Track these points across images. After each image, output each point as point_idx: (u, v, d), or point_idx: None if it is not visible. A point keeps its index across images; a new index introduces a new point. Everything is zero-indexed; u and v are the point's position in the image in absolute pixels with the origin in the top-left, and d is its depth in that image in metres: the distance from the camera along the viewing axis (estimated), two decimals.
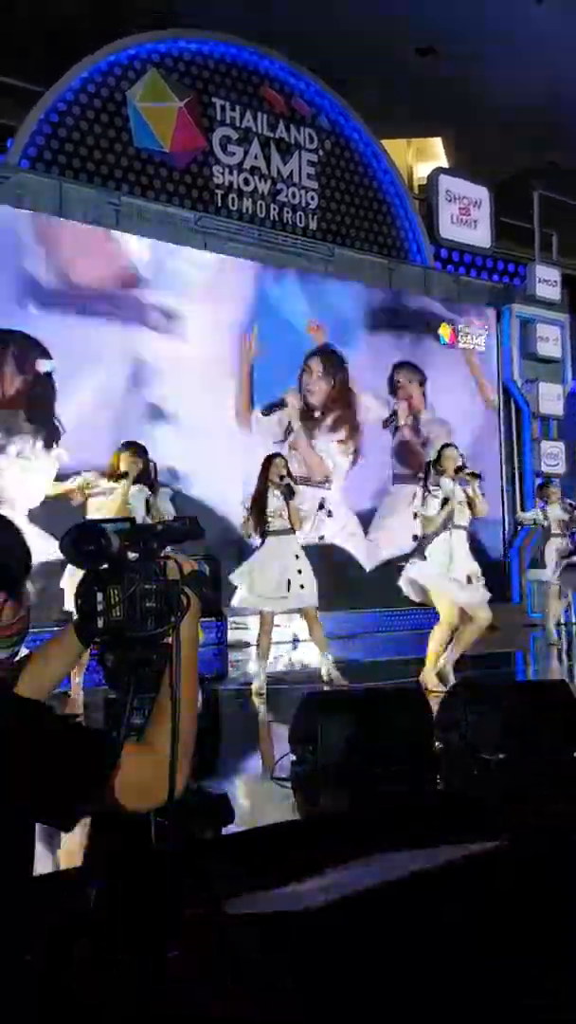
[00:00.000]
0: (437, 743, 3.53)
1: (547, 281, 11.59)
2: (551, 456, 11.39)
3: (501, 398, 11.42)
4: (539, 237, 11.84)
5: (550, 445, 11.42)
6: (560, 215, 12.12)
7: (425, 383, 10.73)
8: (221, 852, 2.64)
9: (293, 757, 3.47)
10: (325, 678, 5.86)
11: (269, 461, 6.01)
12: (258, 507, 5.90)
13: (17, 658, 1.52)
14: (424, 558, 5.68)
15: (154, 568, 1.40)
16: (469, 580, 5.64)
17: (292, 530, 5.92)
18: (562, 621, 9.29)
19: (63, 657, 1.55)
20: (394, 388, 10.53)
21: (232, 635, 8.52)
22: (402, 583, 5.86)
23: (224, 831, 2.75)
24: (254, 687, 5.79)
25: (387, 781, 3.25)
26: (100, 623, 1.39)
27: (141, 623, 1.38)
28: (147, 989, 1.50)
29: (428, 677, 5.60)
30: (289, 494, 5.87)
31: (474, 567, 5.73)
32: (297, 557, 5.89)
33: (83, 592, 1.42)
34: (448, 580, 5.60)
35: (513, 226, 12.06)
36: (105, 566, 1.41)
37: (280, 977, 1.93)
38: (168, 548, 1.48)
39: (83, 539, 1.39)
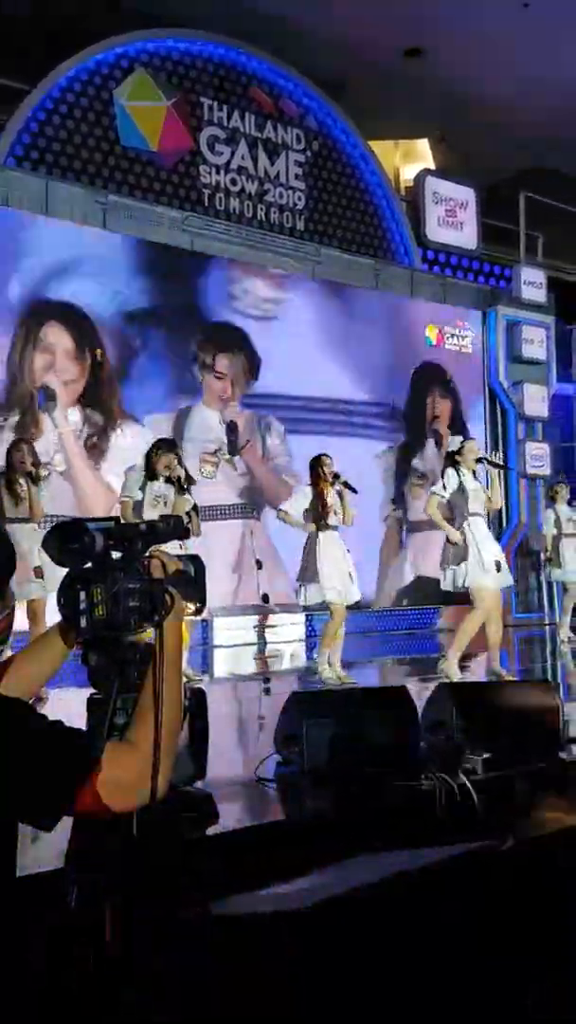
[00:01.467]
0: (422, 743, 3.53)
1: (533, 283, 11.64)
2: (536, 458, 11.44)
3: (487, 400, 11.47)
4: (525, 239, 11.89)
5: (535, 447, 11.47)
6: (546, 217, 12.17)
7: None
8: (206, 852, 2.64)
9: (278, 757, 3.46)
10: (335, 676, 5.90)
11: (319, 461, 6.14)
12: (319, 503, 6.00)
13: (2, 658, 1.52)
14: (456, 561, 5.80)
15: (138, 567, 1.40)
16: (498, 567, 5.81)
17: (337, 526, 6.07)
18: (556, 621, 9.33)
19: (48, 657, 1.54)
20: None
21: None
22: (445, 586, 6.02)
23: (209, 831, 2.75)
24: (341, 676, 5.81)
25: (372, 781, 3.25)
26: (83, 622, 1.38)
27: (124, 622, 1.37)
28: (135, 988, 1.49)
29: (452, 667, 5.75)
30: (349, 488, 6.08)
31: (499, 551, 5.98)
32: (347, 552, 6.09)
33: (66, 591, 1.41)
34: (483, 573, 5.76)
35: (499, 228, 12.11)
36: (89, 565, 1.40)
37: (267, 977, 1.93)
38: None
39: (67, 537, 1.39)
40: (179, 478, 5.78)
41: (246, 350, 9.34)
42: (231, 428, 9.14)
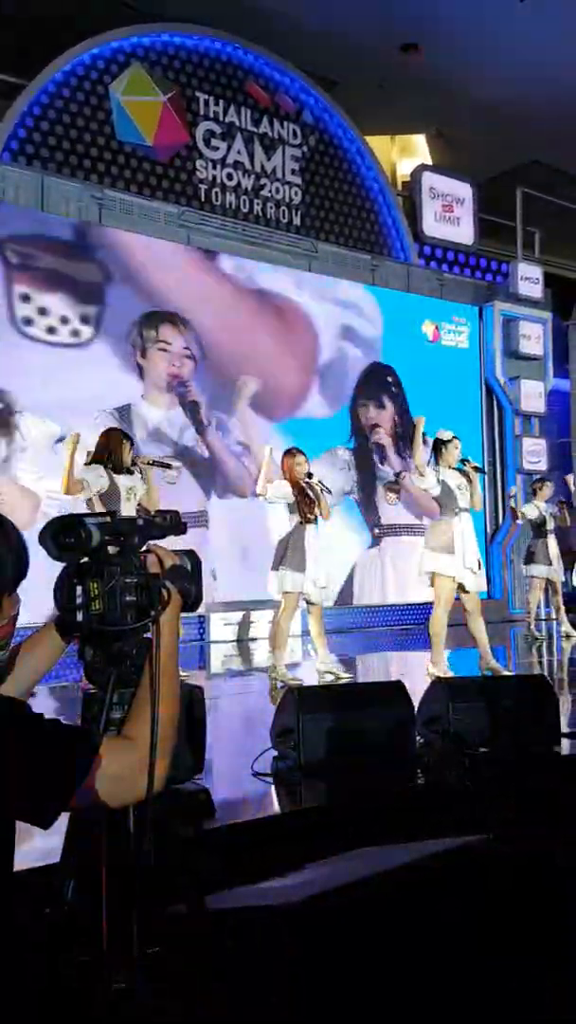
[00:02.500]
0: (419, 737, 3.54)
1: (529, 279, 11.64)
2: (533, 453, 11.45)
3: (484, 396, 11.47)
4: (522, 235, 11.89)
5: (532, 442, 11.49)
6: (543, 213, 12.17)
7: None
8: (203, 847, 2.64)
9: (275, 752, 3.47)
10: (329, 671, 5.91)
11: (291, 457, 6.08)
12: (303, 498, 5.96)
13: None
14: (439, 548, 5.81)
15: (135, 562, 1.40)
16: (479, 566, 5.86)
17: (316, 521, 6.06)
18: (541, 616, 9.35)
19: (44, 653, 1.54)
20: None
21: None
22: (421, 571, 5.99)
23: (206, 826, 2.75)
24: (286, 677, 5.77)
25: (369, 776, 3.26)
26: (80, 617, 1.38)
27: (121, 617, 1.37)
28: (129, 985, 1.49)
29: (439, 664, 5.73)
30: (323, 488, 6.06)
31: (478, 553, 5.96)
32: (320, 549, 6.07)
33: (62, 586, 1.41)
34: (463, 568, 5.77)
35: (496, 224, 12.10)
36: (85, 560, 1.40)
37: (264, 971, 1.94)
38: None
39: (63, 532, 1.38)
40: (154, 461, 5.74)
41: (191, 329, 9.00)
42: (193, 408, 8.90)
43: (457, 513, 5.85)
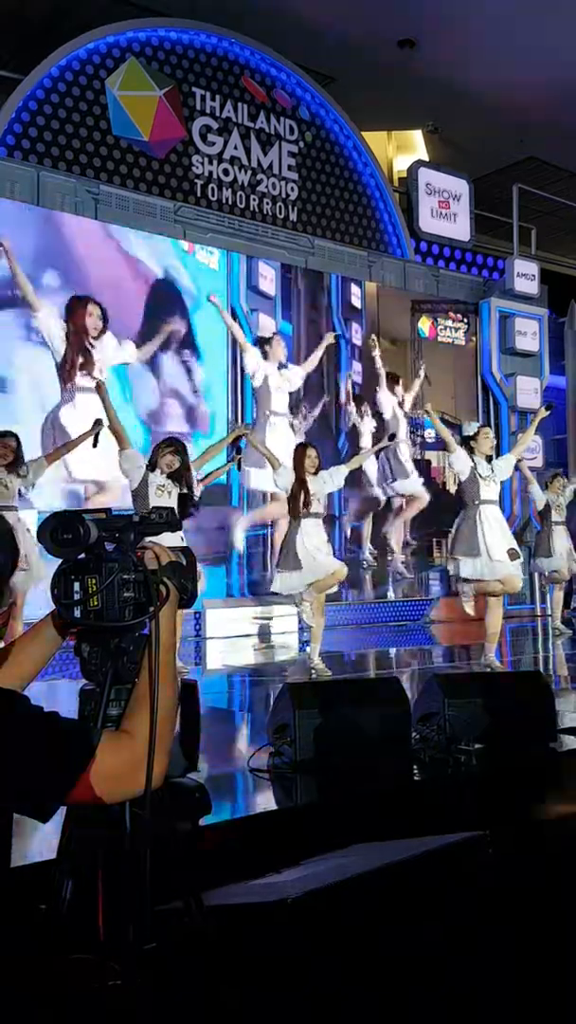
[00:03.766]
0: (415, 734, 3.54)
1: (525, 275, 11.63)
2: (528, 450, 11.41)
3: (480, 392, 11.47)
4: (518, 231, 11.88)
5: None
6: (539, 209, 12.15)
7: None
8: (199, 842, 2.64)
9: (271, 748, 3.47)
10: (314, 668, 5.91)
11: (303, 451, 6.15)
12: (301, 492, 6.01)
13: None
14: (461, 553, 5.83)
15: (132, 558, 1.40)
16: (513, 556, 5.86)
17: (320, 513, 6.11)
18: (537, 613, 9.37)
19: (41, 648, 1.54)
20: None
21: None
22: (456, 577, 6.08)
23: (202, 822, 2.75)
24: (321, 668, 5.86)
25: (365, 771, 3.26)
26: (77, 613, 1.38)
27: (119, 613, 1.37)
28: (125, 982, 1.49)
29: (491, 661, 5.84)
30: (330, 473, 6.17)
31: (511, 539, 5.97)
32: (326, 540, 6.13)
33: (60, 582, 1.40)
34: (493, 565, 5.79)
35: (492, 220, 12.09)
36: (82, 556, 1.39)
37: (260, 968, 1.94)
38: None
39: (61, 528, 1.38)
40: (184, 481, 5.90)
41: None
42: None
43: (477, 506, 5.84)
